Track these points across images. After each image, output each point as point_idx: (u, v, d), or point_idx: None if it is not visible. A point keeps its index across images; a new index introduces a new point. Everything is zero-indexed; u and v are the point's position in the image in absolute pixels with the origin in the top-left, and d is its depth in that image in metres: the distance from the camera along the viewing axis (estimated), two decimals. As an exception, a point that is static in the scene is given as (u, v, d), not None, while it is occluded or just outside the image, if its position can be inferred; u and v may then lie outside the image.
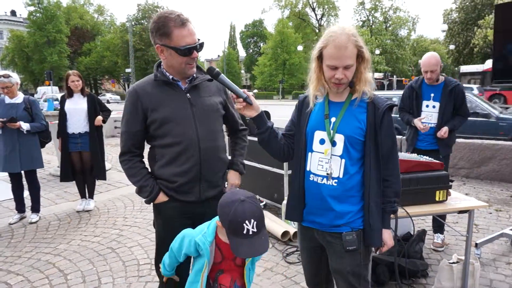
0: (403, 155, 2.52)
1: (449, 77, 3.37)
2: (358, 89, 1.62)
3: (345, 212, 1.64)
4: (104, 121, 4.57)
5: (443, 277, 2.51)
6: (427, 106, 3.38)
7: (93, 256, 3.36)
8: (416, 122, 3.34)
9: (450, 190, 2.47)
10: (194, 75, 1.81)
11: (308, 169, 1.71)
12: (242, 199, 1.39)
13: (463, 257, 2.53)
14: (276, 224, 3.82)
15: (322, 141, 1.66)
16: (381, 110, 1.60)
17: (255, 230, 1.37)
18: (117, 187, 5.73)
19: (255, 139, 4.71)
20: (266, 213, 4.16)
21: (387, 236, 1.69)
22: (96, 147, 4.51)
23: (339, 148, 1.62)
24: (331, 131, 1.63)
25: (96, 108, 4.54)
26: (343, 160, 1.62)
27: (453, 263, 2.52)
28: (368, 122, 1.60)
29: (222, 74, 1.65)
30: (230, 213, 1.37)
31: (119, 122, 12.23)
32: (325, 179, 1.64)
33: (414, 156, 2.56)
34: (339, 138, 1.61)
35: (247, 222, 1.36)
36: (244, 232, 1.36)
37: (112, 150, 9.15)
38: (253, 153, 4.57)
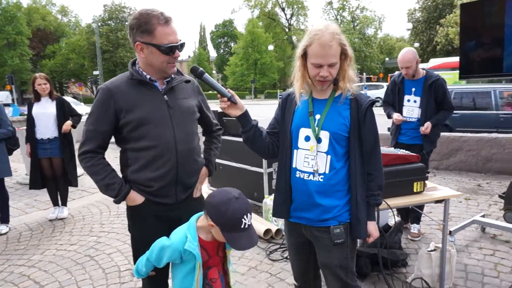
0: (381, 149, 2.59)
1: (431, 71, 3.47)
2: (342, 86, 1.65)
3: (332, 206, 1.67)
4: (74, 126, 4.39)
5: (423, 265, 2.61)
6: (408, 100, 3.47)
7: (70, 266, 3.24)
8: (395, 115, 3.45)
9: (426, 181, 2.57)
10: (173, 75, 1.77)
11: (294, 166, 1.74)
12: (237, 196, 1.45)
13: (440, 245, 2.64)
14: (257, 223, 3.82)
15: (307, 138, 1.69)
16: (364, 106, 1.64)
17: (249, 223, 1.46)
18: (91, 193, 5.55)
19: (234, 138, 4.71)
20: (247, 212, 4.16)
21: (373, 228, 1.74)
22: (67, 152, 4.35)
23: (324, 145, 1.65)
24: (316, 128, 1.66)
25: (66, 112, 4.37)
26: (329, 156, 1.65)
27: (431, 251, 2.62)
28: (351, 118, 1.64)
29: (206, 74, 1.63)
30: (229, 211, 1.42)
31: (89, 126, 11.83)
32: (311, 175, 1.67)
33: (391, 150, 2.64)
34: (324, 135, 1.65)
35: (244, 217, 1.44)
36: (242, 226, 1.43)
37: (83, 155, 8.85)
38: (231, 152, 4.56)
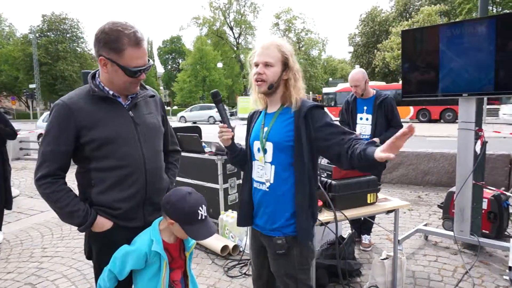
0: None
1: (380, 90, 3.72)
2: (289, 98, 1.73)
3: (277, 217, 1.74)
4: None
5: (376, 273, 2.74)
6: (361, 118, 3.68)
7: (8, 295, 2.93)
8: None
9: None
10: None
11: (252, 176, 1.85)
12: (189, 192, 1.59)
13: (391, 253, 2.79)
14: (214, 240, 3.76)
15: (258, 150, 1.80)
16: (304, 110, 1.67)
17: (206, 214, 1.60)
18: (29, 215, 5.10)
19: (188, 154, 4.63)
20: (202, 230, 4.08)
21: (386, 149, 1.39)
22: None
23: (269, 155, 1.75)
24: (263, 140, 1.77)
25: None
26: (273, 166, 1.73)
27: (384, 259, 2.76)
28: (295, 126, 1.69)
29: (222, 103, 1.78)
30: (186, 206, 1.55)
31: (25, 143, 10.95)
32: (262, 184, 1.78)
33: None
34: (269, 146, 1.75)
35: (200, 208, 1.57)
36: (199, 218, 1.56)
37: (18, 174, 8.14)
38: (185, 169, 4.48)
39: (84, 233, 1.71)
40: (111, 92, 1.61)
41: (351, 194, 2.54)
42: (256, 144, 1.81)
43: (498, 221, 3.72)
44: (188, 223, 1.56)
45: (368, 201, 2.63)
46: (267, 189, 1.74)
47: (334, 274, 2.92)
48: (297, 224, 1.70)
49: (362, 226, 3.73)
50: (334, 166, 2.54)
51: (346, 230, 4.06)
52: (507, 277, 2.97)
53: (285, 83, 1.73)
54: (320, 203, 2.39)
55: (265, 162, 1.75)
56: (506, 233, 3.80)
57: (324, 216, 2.36)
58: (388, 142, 1.38)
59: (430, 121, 21.58)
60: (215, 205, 4.24)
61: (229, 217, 3.88)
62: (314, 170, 1.75)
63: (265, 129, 1.77)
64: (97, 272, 1.67)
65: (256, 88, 1.75)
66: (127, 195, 1.61)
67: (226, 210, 4.14)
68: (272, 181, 1.73)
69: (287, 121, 1.72)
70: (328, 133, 1.65)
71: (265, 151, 1.75)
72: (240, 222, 1.89)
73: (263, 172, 1.76)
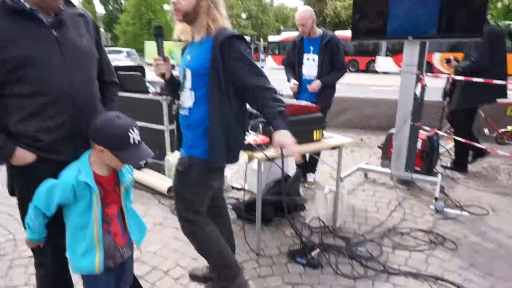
0: (286, 101, 2.68)
1: (327, 30, 3.64)
2: (209, 29, 1.76)
3: (190, 139, 1.85)
4: None
5: (319, 206, 2.87)
6: (307, 59, 3.60)
7: None
8: (291, 83, 3.66)
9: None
10: (61, 7, 1.47)
11: (180, 102, 1.93)
12: (117, 115, 1.46)
13: (333, 188, 2.93)
14: (160, 180, 3.70)
15: (183, 78, 1.87)
16: (220, 39, 1.70)
17: (138, 138, 1.48)
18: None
19: (130, 95, 4.36)
20: (148, 171, 3.98)
21: (282, 138, 1.69)
22: None
23: (188, 81, 1.82)
24: (185, 67, 1.83)
25: None
26: (192, 92, 1.81)
27: (327, 193, 2.89)
28: (212, 54, 1.73)
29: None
30: (114, 129, 1.43)
31: None
32: (183, 110, 1.87)
33: (294, 101, 2.77)
34: (188, 73, 1.81)
35: (130, 131, 1.44)
36: (131, 141, 1.44)
37: None
38: (127, 109, 4.20)
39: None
40: (28, 5, 1.37)
41: (298, 131, 2.53)
42: (181, 72, 1.87)
43: (429, 159, 4.03)
44: (119, 148, 1.43)
45: (314, 138, 2.67)
46: (187, 114, 1.83)
47: (280, 209, 3.02)
48: (209, 147, 1.78)
49: (308, 165, 3.85)
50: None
51: (292, 170, 4.17)
52: (433, 207, 3.28)
53: (200, 9, 1.76)
54: (267, 139, 2.39)
55: (185, 88, 1.83)
56: (434, 170, 4.14)
57: (271, 152, 2.35)
58: (281, 141, 1.68)
59: (358, 71, 23.09)
60: (160, 146, 4.10)
61: (175, 158, 3.79)
62: (234, 100, 1.78)
63: (188, 57, 1.83)
64: (23, 210, 1.53)
65: (174, 18, 1.80)
66: (48, 125, 1.44)
67: (172, 151, 4.04)
68: (191, 106, 1.81)
69: (205, 49, 1.76)
70: (244, 72, 1.71)
71: (184, 77, 1.82)
72: (173, 147, 2.03)
73: (184, 98, 1.84)
